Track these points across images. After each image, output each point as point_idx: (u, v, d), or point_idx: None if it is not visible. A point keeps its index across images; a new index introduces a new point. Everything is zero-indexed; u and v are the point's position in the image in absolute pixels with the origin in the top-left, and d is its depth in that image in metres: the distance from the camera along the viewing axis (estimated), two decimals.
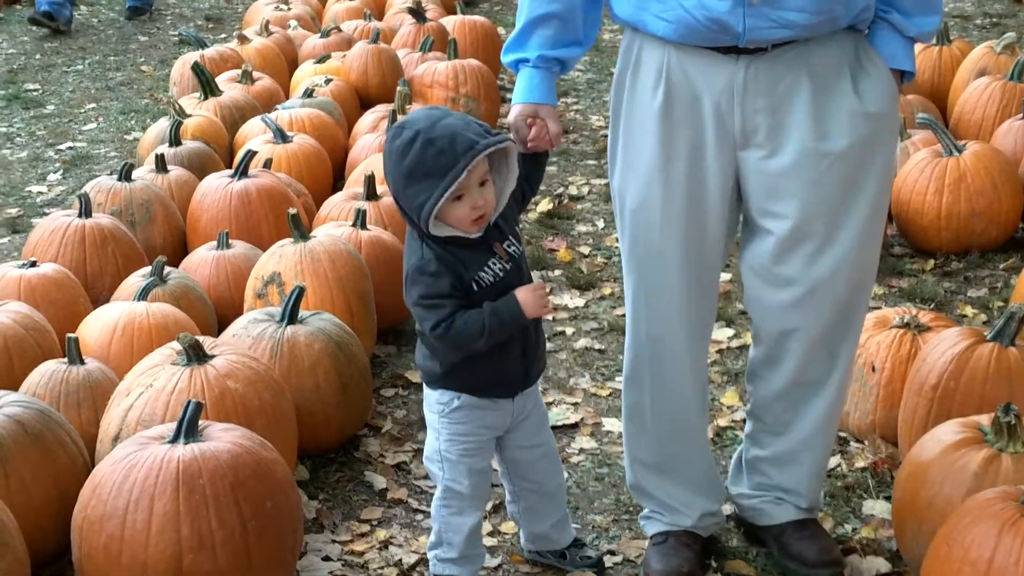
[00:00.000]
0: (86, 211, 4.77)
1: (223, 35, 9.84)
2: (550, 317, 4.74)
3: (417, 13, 7.91)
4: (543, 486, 3.22)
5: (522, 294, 2.86)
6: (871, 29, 2.92)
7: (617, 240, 5.46)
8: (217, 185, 5.06)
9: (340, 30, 7.95)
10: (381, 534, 3.51)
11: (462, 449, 3.05)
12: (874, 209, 2.98)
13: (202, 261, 4.68)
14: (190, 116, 6.14)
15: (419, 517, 3.60)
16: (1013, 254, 5.21)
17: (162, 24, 9.97)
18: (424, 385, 3.08)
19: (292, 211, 4.37)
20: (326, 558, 3.39)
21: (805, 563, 3.22)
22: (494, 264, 2.89)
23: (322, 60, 7.30)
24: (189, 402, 3.15)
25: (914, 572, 3.15)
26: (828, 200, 2.92)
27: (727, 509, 3.45)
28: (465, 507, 3.10)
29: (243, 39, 7.78)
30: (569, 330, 4.71)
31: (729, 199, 2.99)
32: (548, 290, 2.84)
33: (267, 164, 5.43)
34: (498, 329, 2.85)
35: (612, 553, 3.38)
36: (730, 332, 4.59)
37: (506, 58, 3.03)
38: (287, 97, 7.07)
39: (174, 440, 3.11)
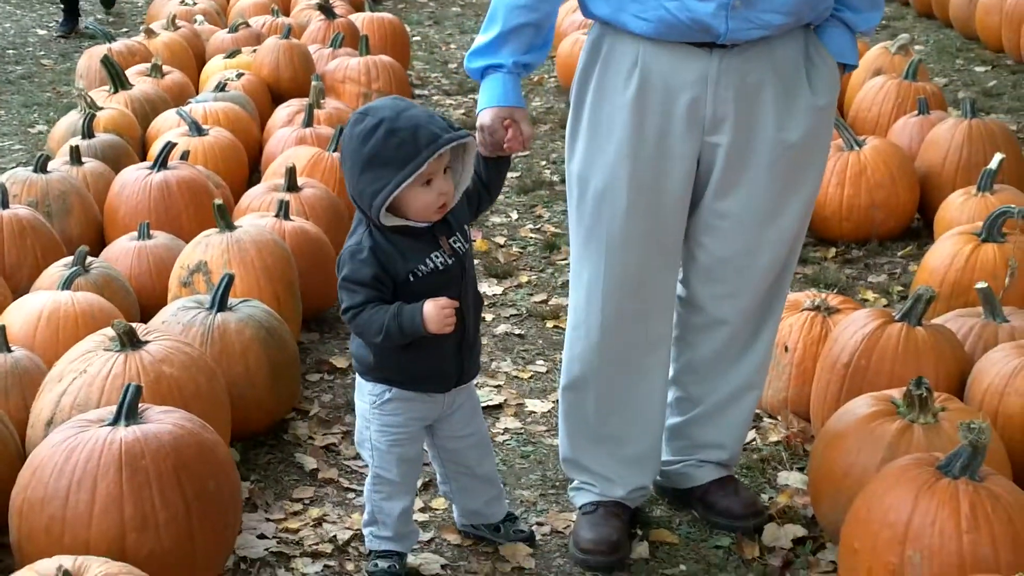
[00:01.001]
0: (3, 202, 4.76)
1: (125, 29, 9.79)
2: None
3: (327, 9, 7.97)
4: (473, 470, 3.30)
5: (428, 307, 2.87)
6: (821, 25, 3.11)
7: (532, 232, 5.66)
8: (136, 177, 5.08)
9: (248, 25, 7.97)
10: (314, 512, 3.59)
11: (392, 439, 3.11)
12: (812, 194, 3.24)
13: (123, 251, 4.70)
14: (102, 109, 6.13)
15: (350, 495, 3.69)
16: (910, 243, 5.44)
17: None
18: (357, 374, 3.14)
19: (218, 201, 4.42)
20: (261, 536, 3.46)
21: (733, 516, 3.42)
22: (436, 257, 2.95)
23: (232, 55, 7.32)
24: (129, 385, 3.20)
25: (830, 537, 3.32)
26: (777, 185, 3.14)
27: None
28: (395, 492, 3.18)
29: (150, 33, 7.76)
30: (489, 316, 4.83)
31: (689, 183, 3.14)
32: (454, 310, 2.89)
33: (184, 156, 5.46)
34: (396, 333, 2.89)
35: (541, 525, 3.50)
36: None
37: (474, 64, 3.07)
38: (197, 91, 7.08)
39: (115, 422, 3.15)
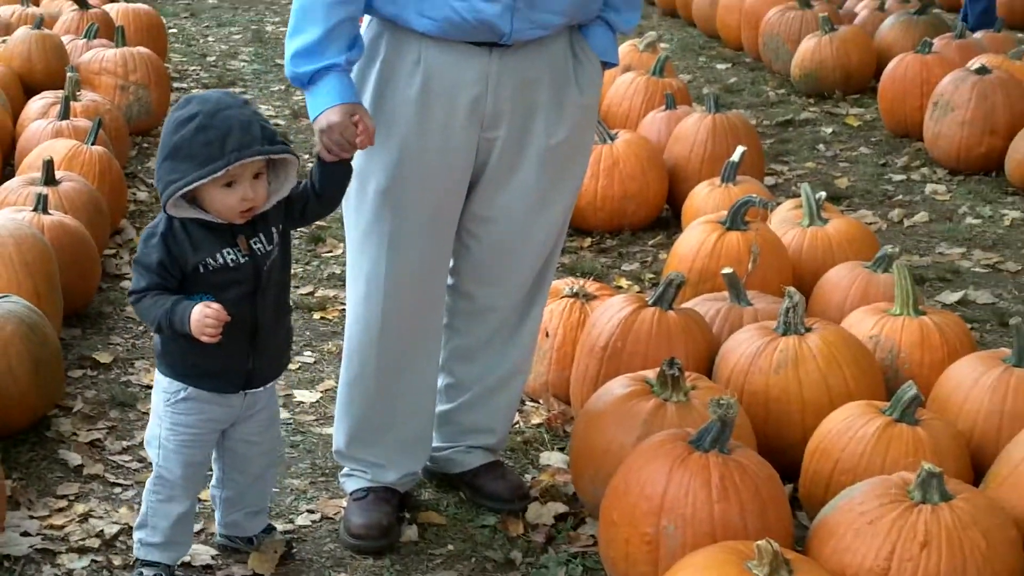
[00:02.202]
0: None
1: None
2: None
3: (80, 0, 7.76)
4: (252, 479, 3.24)
5: (197, 311, 2.81)
6: (585, 25, 3.24)
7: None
8: None
9: None
10: (80, 508, 3.54)
11: (181, 440, 3.04)
12: (577, 187, 3.41)
13: None
14: None
15: (117, 490, 3.66)
16: (660, 232, 5.70)
17: None
18: (156, 368, 3.08)
19: None
20: (24, 533, 3.39)
21: (500, 500, 3.54)
22: (228, 253, 2.89)
23: None
24: None
25: (590, 512, 3.49)
26: (547, 177, 3.27)
27: None
28: (175, 495, 3.10)
29: None
30: None
31: (467, 175, 3.23)
32: (220, 316, 2.82)
33: None
34: (167, 328, 2.85)
35: (311, 512, 3.55)
36: None
37: (304, 68, 2.97)
38: None
39: None
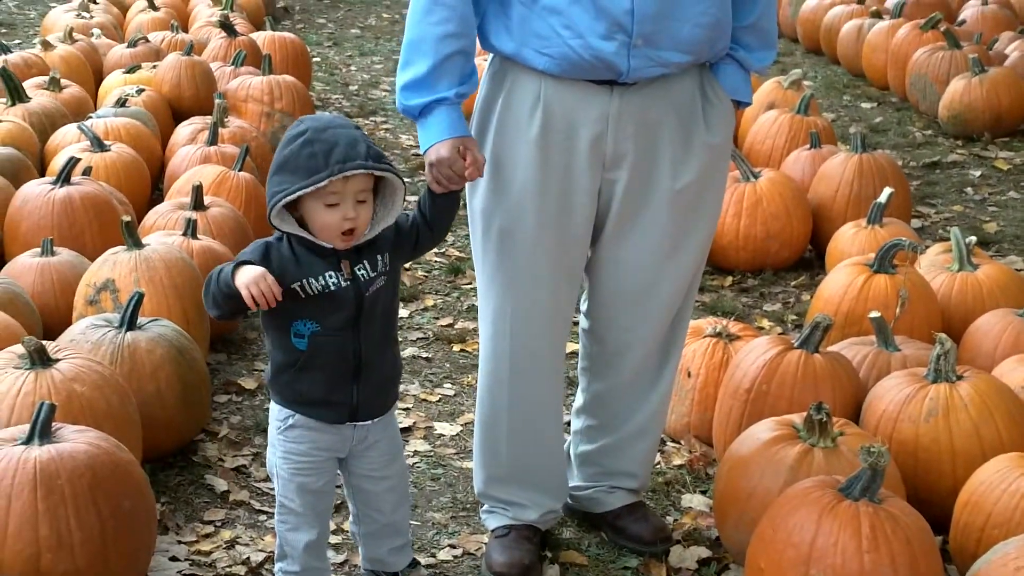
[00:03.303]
0: None
1: (17, 40, 9.65)
2: None
3: (228, 27, 7.95)
4: (386, 518, 3.20)
5: (249, 267, 2.82)
6: (716, 63, 3.19)
7: (436, 255, 5.71)
8: (39, 192, 5.03)
9: (148, 40, 7.92)
10: (226, 534, 3.60)
11: (294, 468, 3.04)
12: (710, 229, 3.33)
13: (26, 268, 4.65)
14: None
15: (262, 518, 3.70)
16: (803, 273, 5.62)
17: None
18: (270, 397, 3.10)
19: (126, 218, 4.41)
20: (173, 558, 3.46)
21: (642, 542, 3.51)
22: (330, 276, 2.88)
23: (132, 70, 7.28)
24: (43, 404, 3.18)
25: (734, 557, 3.43)
26: (676, 221, 3.21)
27: None
28: (301, 524, 3.09)
29: (47, 45, 7.67)
30: None
31: (591, 216, 3.21)
32: (272, 291, 2.80)
33: (86, 172, 5.42)
34: (214, 284, 2.85)
35: (453, 547, 3.56)
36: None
37: (413, 101, 3.01)
38: (96, 105, 7.02)
39: (28, 441, 3.14)
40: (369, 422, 3.05)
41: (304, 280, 2.88)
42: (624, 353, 3.40)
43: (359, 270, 2.92)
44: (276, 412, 3.05)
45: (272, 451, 3.09)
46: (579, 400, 3.57)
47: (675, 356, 3.48)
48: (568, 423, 3.71)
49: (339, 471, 3.17)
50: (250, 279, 2.80)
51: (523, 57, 3.06)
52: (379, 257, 2.96)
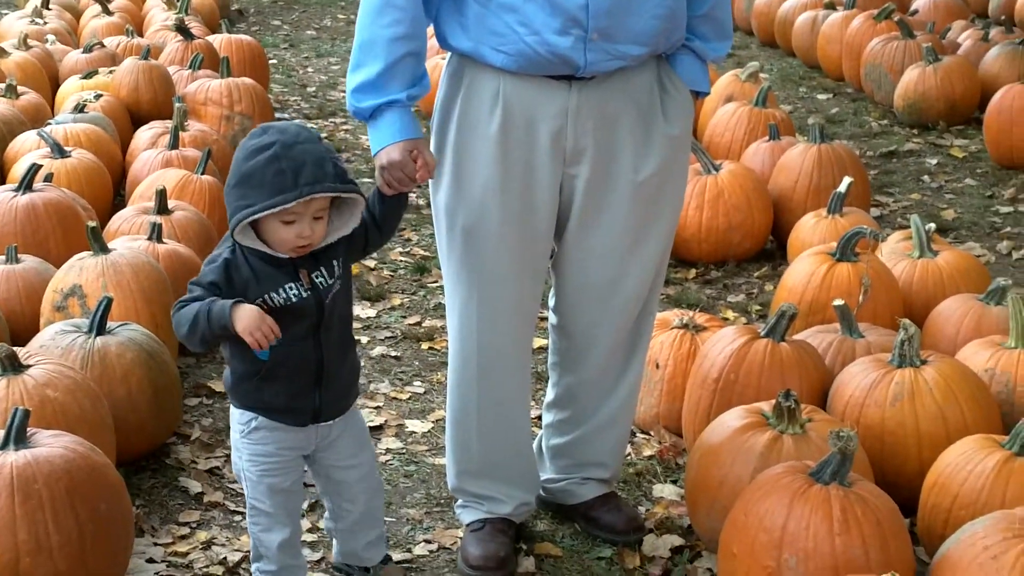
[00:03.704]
0: None
1: None
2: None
3: (184, 30, 7.93)
4: (361, 506, 3.22)
5: (246, 309, 2.79)
6: (672, 55, 3.23)
7: (401, 255, 5.73)
8: (1, 199, 5.01)
9: (103, 46, 7.88)
10: (202, 535, 3.61)
11: (262, 470, 3.05)
12: (673, 220, 3.36)
13: None
14: None
15: (237, 518, 3.71)
16: (765, 263, 5.68)
17: None
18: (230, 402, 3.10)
19: (92, 224, 4.41)
20: (150, 560, 3.47)
21: (616, 532, 3.55)
22: (291, 288, 2.89)
23: (89, 76, 7.24)
24: (16, 409, 3.19)
25: (706, 545, 3.48)
26: (638, 213, 3.25)
27: None
28: (273, 524, 3.10)
29: (2, 52, 7.60)
30: (364, 339, 4.90)
31: (554, 211, 3.24)
32: (273, 330, 2.80)
33: (47, 179, 5.39)
34: (203, 320, 2.80)
35: (428, 542, 3.58)
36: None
37: (364, 103, 3.01)
38: (53, 112, 6.99)
39: (3, 447, 3.14)
40: (332, 422, 3.08)
41: (266, 295, 2.88)
42: (592, 347, 3.43)
43: (317, 278, 2.93)
44: (237, 416, 3.05)
45: (237, 455, 3.10)
46: (550, 394, 3.60)
47: (643, 348, 3.52)
48: (539, 417, 3.75)
49: (308, 468, 3.19)
50: (252, 325, 2.79)
51: (480, 55, 3.08)
52: (335, 262, 2.97)
